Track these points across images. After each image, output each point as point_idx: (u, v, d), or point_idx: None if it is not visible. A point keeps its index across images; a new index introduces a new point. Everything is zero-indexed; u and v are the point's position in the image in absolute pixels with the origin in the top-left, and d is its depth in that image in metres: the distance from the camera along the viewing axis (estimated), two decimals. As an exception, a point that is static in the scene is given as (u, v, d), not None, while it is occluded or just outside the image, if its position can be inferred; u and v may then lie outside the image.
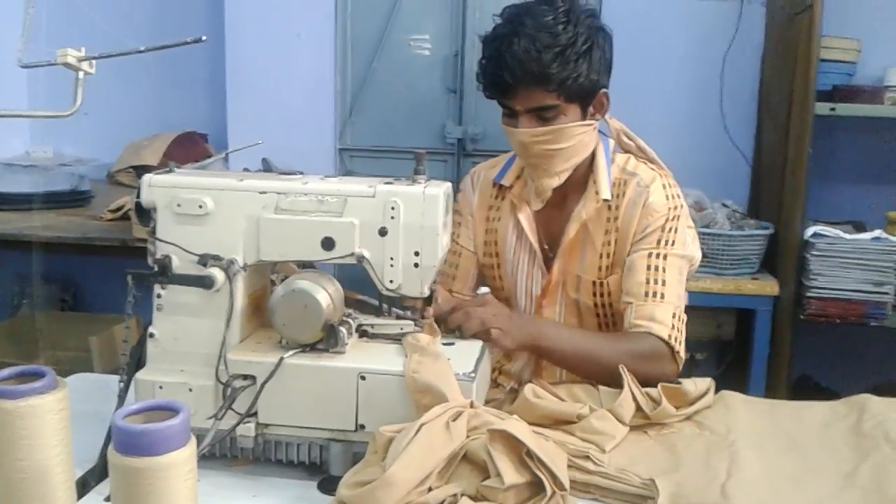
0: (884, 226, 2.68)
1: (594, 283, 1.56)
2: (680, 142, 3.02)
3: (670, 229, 1.51)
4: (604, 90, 1.49)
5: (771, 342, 2.68)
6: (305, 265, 1.29)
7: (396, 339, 1.23)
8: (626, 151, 1.60)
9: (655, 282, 1.48)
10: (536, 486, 1.01)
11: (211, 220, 1.19)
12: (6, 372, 0.92)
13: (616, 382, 1.34)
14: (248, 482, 1.17)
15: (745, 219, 2.80)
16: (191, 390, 1.18)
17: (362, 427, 1.15)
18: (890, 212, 2.76)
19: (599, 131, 1.58)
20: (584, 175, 1.56)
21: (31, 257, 3.41)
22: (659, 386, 1.33)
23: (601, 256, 1.55)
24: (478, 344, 1.28)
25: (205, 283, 1.17)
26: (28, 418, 0.87)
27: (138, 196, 1.21)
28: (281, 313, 1.17)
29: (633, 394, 1.30)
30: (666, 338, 1.44)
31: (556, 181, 1.51)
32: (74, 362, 2.84)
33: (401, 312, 1.26)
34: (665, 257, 1.49)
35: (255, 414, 1.17)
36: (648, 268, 1.49)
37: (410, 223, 1.18)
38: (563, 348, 1.43)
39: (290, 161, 2.04)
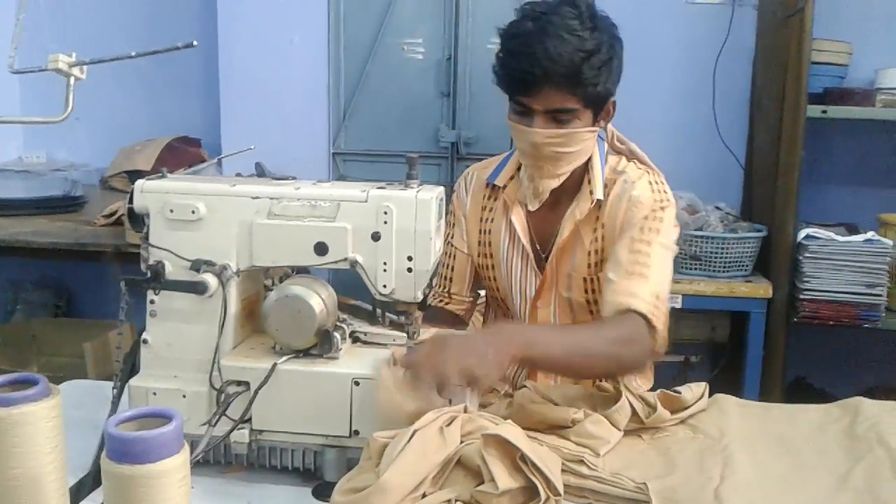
0: (876, 228, 2.69)
1: (585, 279, 1.56)
2: (672, 144, 3.03)
3: (655, 218, 1.50)
4: (613, 99, 1.50)
5: (765, 344, 2.67)
6: (299, 270, 1.29)
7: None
8: (619, 154, 1.61)
9: (637, 263, 1.45)
10: (531, 491, 1.01)
11: (203, 226, 1.19)
12: (-1, 379, 0.92)
13: (608, 375, 1.35)
14: (242, 489, 1.17)
15: (738, 221, 2.79)
16: (184, 396, 1.18)
17: (356, 433, 1.15)
18: (882, 214, 2.77)
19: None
20: (578, 177, 1.56)
21: (24, 263, 3.40)
22: (658, 392, 1.33)
23: (590, 253, 1.55)
24: None
25: (198, 288, 1.17)
26: (21, 426, 0.87)
27: (131, 201, 1.21)
28: (274, 319, 1.17)
29: (629, 402, 1.30)
30: (644, 312, 1.40)
31: (556, 183, 1.52)
32: (68, 368, 2.84)
33: (394, 318, 1.26)
34: (649, 243, 1.47)
35: (249, 420, 1.17)
36: (632, 251, 1.46)
37: (403, 228, 1.18)
38: (550, 351, 1.31)
39: (283, 165, 2.03)
